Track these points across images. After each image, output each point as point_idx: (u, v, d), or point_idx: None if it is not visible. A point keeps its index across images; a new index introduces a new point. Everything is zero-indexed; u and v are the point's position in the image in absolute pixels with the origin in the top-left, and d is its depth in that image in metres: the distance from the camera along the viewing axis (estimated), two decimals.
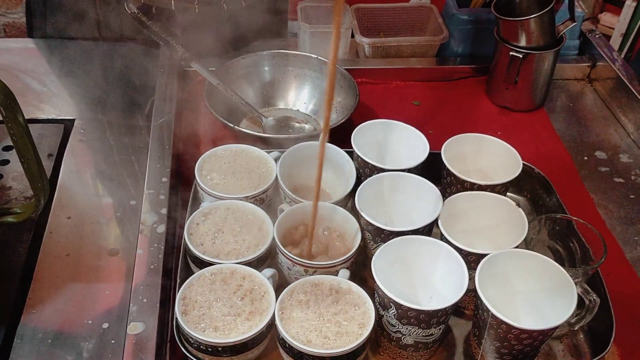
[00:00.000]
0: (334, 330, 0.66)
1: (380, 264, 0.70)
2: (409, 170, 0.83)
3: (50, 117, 1.03)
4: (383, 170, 0.83)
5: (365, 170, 0.85)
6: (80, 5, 1.17)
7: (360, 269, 0.81)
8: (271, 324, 0.68)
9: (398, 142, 0.90)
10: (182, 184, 0.92)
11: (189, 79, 1.14)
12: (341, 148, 0.88)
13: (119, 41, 1.19)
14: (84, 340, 0.72)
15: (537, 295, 0.72)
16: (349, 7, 1.21)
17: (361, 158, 0.84)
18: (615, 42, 2.10)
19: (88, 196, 0.90)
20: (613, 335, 0.72)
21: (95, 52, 1.18)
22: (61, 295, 0.77)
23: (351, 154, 0.87)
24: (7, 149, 0.95)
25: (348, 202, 0.84)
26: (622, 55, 1.93)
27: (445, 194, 0.83)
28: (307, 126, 1.06)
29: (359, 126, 0.89)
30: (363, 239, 0.78)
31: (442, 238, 0.75)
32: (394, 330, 0.69)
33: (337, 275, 0.73)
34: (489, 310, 0.65)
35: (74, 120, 1.02)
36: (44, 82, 1.11)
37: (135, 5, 1.04)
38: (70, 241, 0.83)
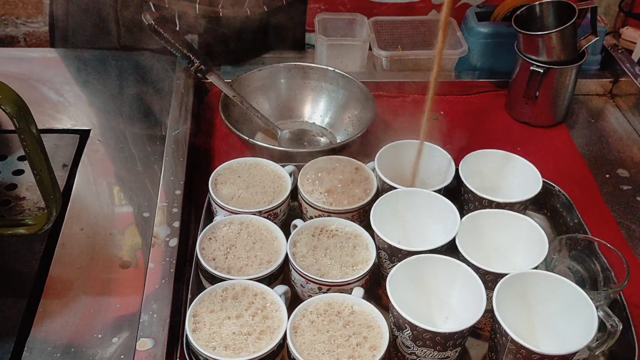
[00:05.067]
0: (346, 353, 0.64)
1: (396, 283, 0.69)
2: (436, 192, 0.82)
3: (65, 127, 1.03)
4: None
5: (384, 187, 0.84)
6: (102, 15, 1.17)
7: (375, 287, 0.79)
8: (282, 343, 0.66)
9: (426, 162, 0.88)
10: (196, 197, 0.92)
11: (204, 91, 1.13)
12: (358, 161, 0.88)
13: (138, 51, 1.20)
14: (94, 354, 0.71)
15: (556, 318, 0.70)
16: (366, 19, 1.20)
17: (381, 179, 0.83)
18: (637, 56, 2.07)
19: (101, 207, 0.89)
20: None
21: (113, 62, 1.18)
22: (71, 308, 0.76)
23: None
24: (21, 158, 0.95)
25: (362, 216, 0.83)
26: None
27: (463, 211, 0.81)
28: (323, 139, 1.05)
29: (385, 147, 0.87)
30: (378, 257, 0.76)
31: (460, 256, 0.73)
32: (409, 352, 0.68)
33: (351, 293, 0.72)
34: (508, 335, 0.63)
35: (89, 130, 1.02)
36: (61, 92, 1.11)
37: (153, 17, 1.03)
38: (82, 253, 0.82)
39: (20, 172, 0.93)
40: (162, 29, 1.04)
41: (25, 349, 0.71)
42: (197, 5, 1.10)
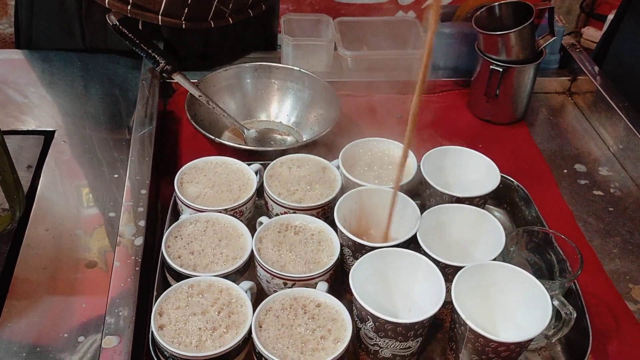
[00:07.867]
0: (310, 346, 0.66)
1: (359, 277, 0.70)
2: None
3: (30, 129, 1.03)
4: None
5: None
6: (67, 16, 1.17)
7: (339, 281, 0.81)
8: (248, 338, 0.68)
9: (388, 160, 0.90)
10: (161, 196, 0.92)
11: (171, 91, 1.14)
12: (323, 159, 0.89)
13: (104, 52, 1.19)
14: (59, 353, 0.71)
15: (513, 307, 0.72)
16: (332, 20, 1.22)
17: (346, 176, 0.85)
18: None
19: (66, 208, 0.89)
20: (590, 347, 0.72)
21: (78, 64, 1.18)
22: (37, 308, 0.76)
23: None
24: None
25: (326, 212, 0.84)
26: None
27: (424, 207, 0.83)
28: (289, 138, 1.07)
29: (349, 144, 0.89)
30: (342, 253, 0.78)
31: (420, 250, 0.75)
32: (372, 343, 0.69)
33: (315, 287, 0.73)
34: (466, 324, 0.65)
35: (54, 131, 1.02)
36: (26, 93, 1.10)
37: (117, 17, 1.03)
38: (48, 253, 0.82)
39: None
40: (127, 29, 1.04)
41: None
42: (160, 17, 1.09)
